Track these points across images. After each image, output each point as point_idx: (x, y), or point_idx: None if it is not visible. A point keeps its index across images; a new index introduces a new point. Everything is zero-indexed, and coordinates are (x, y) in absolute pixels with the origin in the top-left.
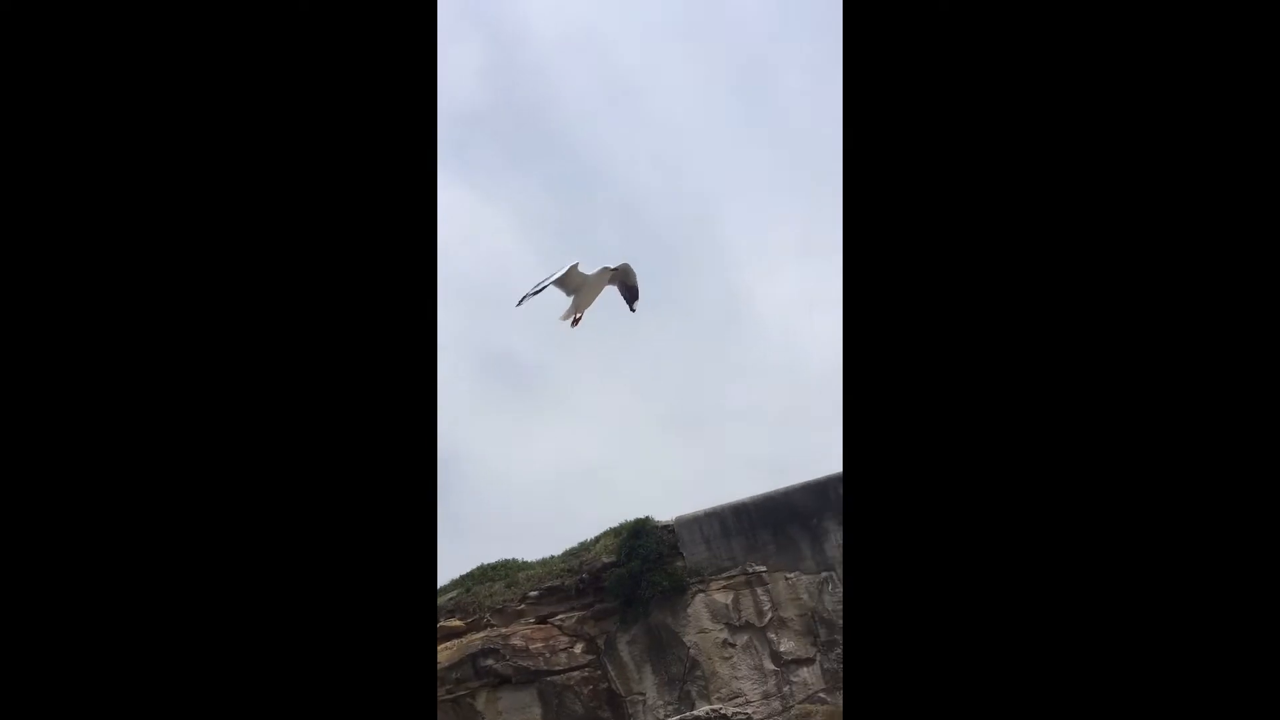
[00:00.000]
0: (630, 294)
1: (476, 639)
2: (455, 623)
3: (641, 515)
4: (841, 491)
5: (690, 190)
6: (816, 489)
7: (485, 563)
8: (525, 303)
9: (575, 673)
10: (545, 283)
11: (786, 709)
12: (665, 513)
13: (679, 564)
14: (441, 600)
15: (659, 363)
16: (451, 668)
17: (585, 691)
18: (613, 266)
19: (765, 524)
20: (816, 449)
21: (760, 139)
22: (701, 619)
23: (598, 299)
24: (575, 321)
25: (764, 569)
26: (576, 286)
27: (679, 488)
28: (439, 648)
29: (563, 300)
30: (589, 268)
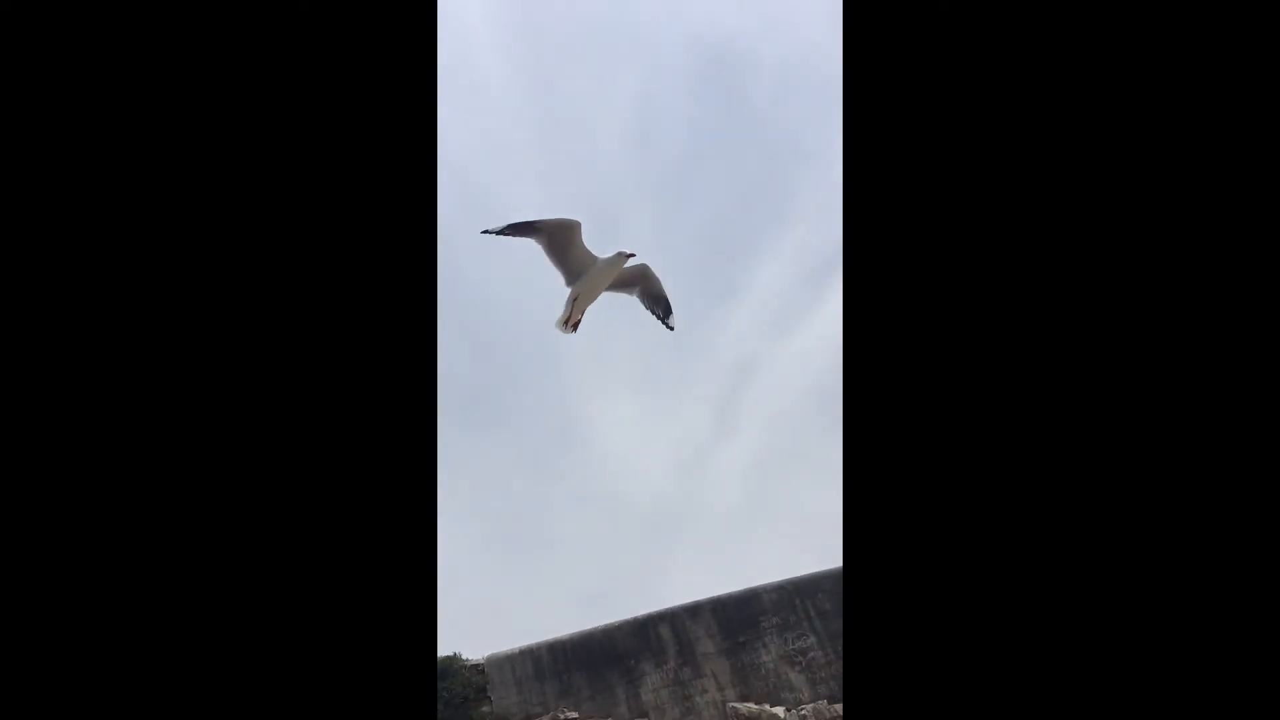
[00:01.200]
0: (659, 305)
1: None
2: None
3: (449, 652)
4: (659, 631)
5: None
6: (636, 628)
7: None
8: (497, 235)
9: None
10: (525, 226)
11: None
12: (476, 648)
13: (485, 709)
14: None
15: (482, 481)
16: None
17: None
18: (628, 251)
19: (581, 665)
20: (641, 584)
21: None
22: None
23: (598, 300)
24: (574, 325)
25: (575, 715)
26: (580, 268)
27: (493, 617)
28: None
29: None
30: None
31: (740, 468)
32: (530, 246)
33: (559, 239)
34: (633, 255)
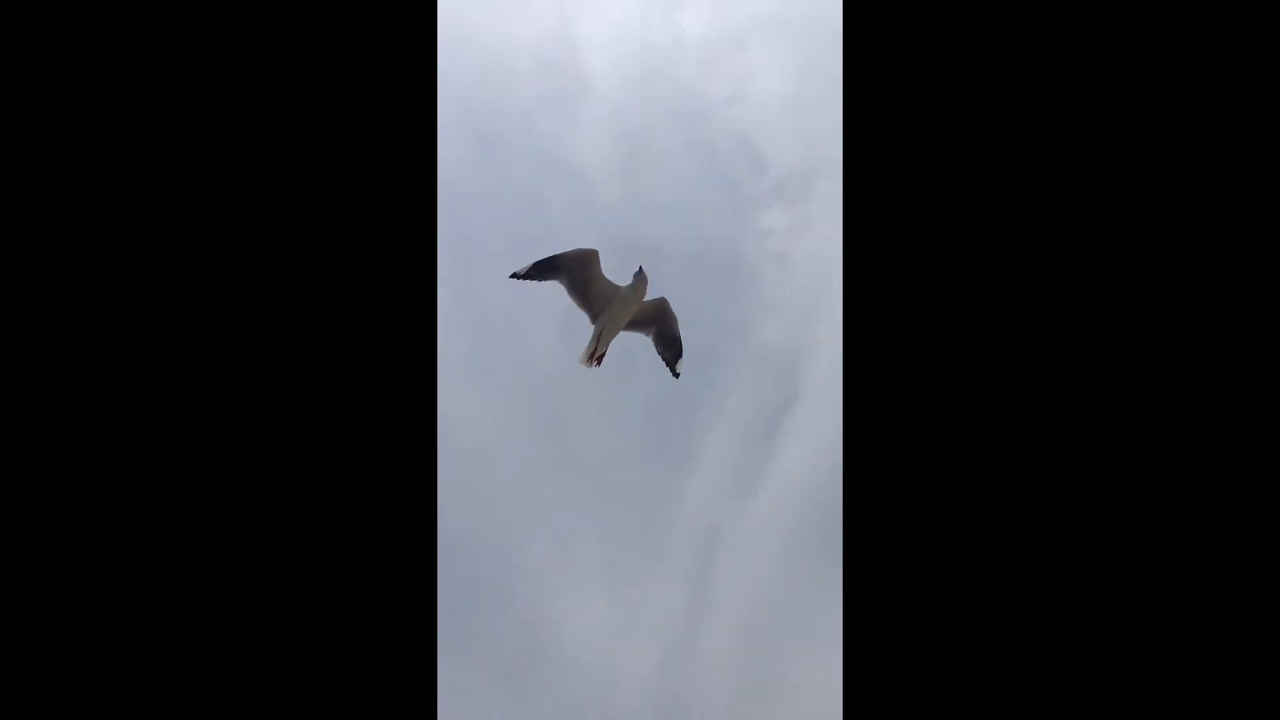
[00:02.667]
0: (671, 348)
1: None
2: None
3: None
4: None
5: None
6: None
7: None
8: (522, 280)
9: None
10: (545, 266)
11: None
12: None
13: None
14: None
15: None
16: None
17: None
18: (644, 274)
19: None
20: None
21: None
22: None
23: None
24: (598, 360)
25: None
26: (603, 301)
27: None
28: None
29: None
30: None
31: (728, 646)
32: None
33: (579, 274)
34: (640, 268)
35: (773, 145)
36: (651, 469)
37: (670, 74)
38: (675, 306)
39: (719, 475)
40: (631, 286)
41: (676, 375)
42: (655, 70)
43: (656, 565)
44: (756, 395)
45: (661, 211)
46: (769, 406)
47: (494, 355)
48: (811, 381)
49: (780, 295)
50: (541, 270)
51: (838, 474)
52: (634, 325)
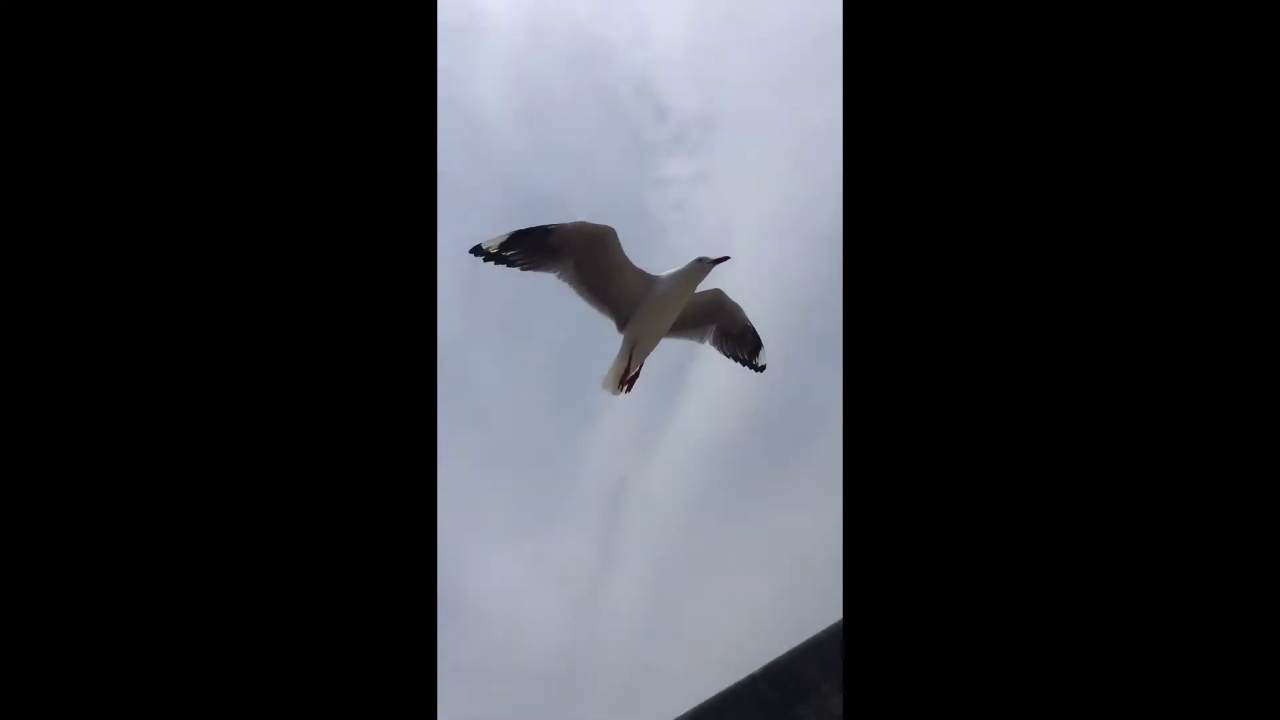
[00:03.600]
0: (743, 344)
1: None
2: None
3: None
4: None
5: None
6: None
7: None
8: (492, 263)
9: None
10: (555, 232)
11: None
12: None
13: None
14: None
15: None
16: None
17: None
18: (713, 257)
19: None
20: None
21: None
22: None
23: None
24: (630, 383)
25: None
26: (634, 296)
27: None
28: None
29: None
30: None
31: (637, 595)
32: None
33: (590, 262)
34: (725, 259)
35: (673, 91)
36: (556, 424)
37: (568, 15)
38: None
39: (624, 429)
40: (686, 274)
41: (759, 369)
42: (552, 11)
43: (564, 519)
44: (658, 353)
45: (562, 159)
46: (672, 362)
47: None
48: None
49: (681, 245)
50: (528, 250)
51: (739, 424)
52: (687, 327)
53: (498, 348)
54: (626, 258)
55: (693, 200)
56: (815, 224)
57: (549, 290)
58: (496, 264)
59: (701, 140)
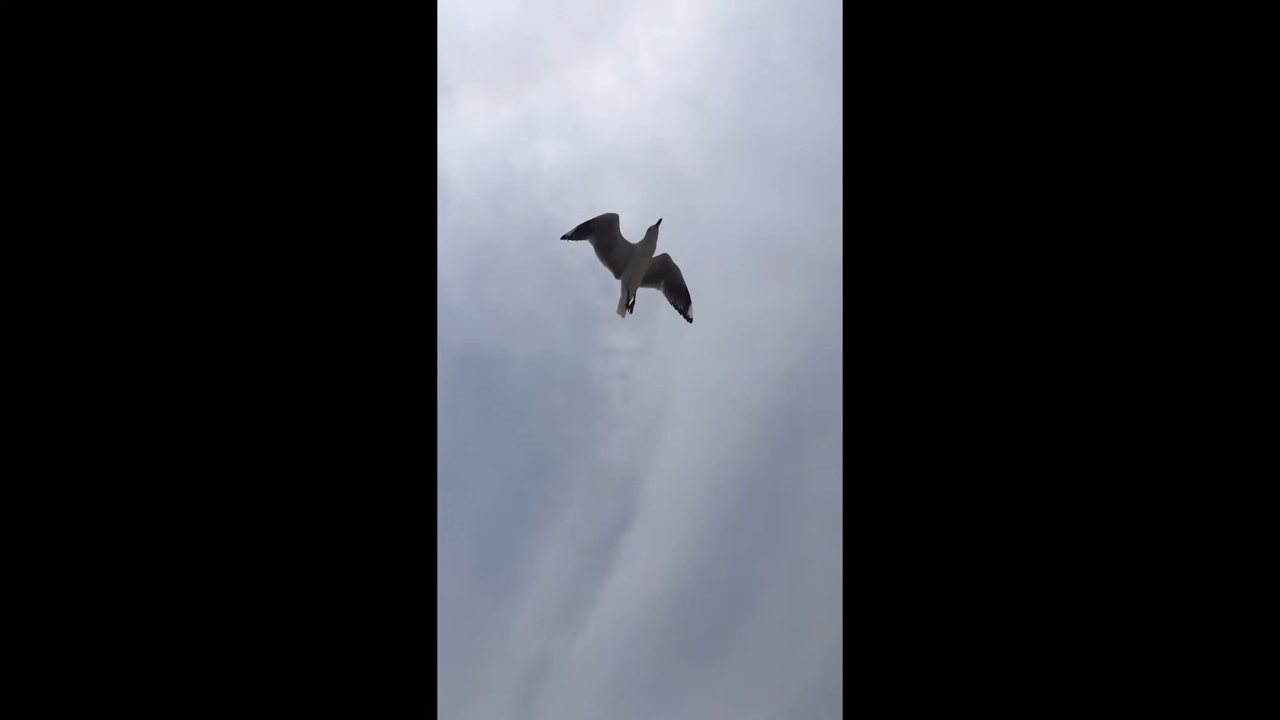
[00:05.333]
0: (681, 297)
1: None
2: None
3: None
4: None
5: None
6: None
7: None
8: (568, 241)
9: None
10: (584, 227)
11: None
12: None
13: None
14: None
15: None
16: None
17: None
18: (653, 224)
19: None
20: None
21: None
22: None
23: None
24: (630, 308)
25: None
26: (620, 256)
27: None
28: None
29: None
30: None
31: None
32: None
33: (604, 237)
34: (660, 221)
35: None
36: (478, 590)
37: (525, 194)
38: (516, 418)
39: (549, 601)
40: (645, 241)
41: (689, 320)
42: (512, 189)
43: (480, 699)
44: (593, 514)
45: (509, 322)
46: (605, 527)
47: None
48: (648, 503)
49: (625, 413)
50: (580, 231)
51: (672, 601)
52: (646, 281)
53: None
54: (621, 234)
55: (636, 370)
56: (751, 399)
57: (481, 446)
58: (572, 240)
59: (645, 315)
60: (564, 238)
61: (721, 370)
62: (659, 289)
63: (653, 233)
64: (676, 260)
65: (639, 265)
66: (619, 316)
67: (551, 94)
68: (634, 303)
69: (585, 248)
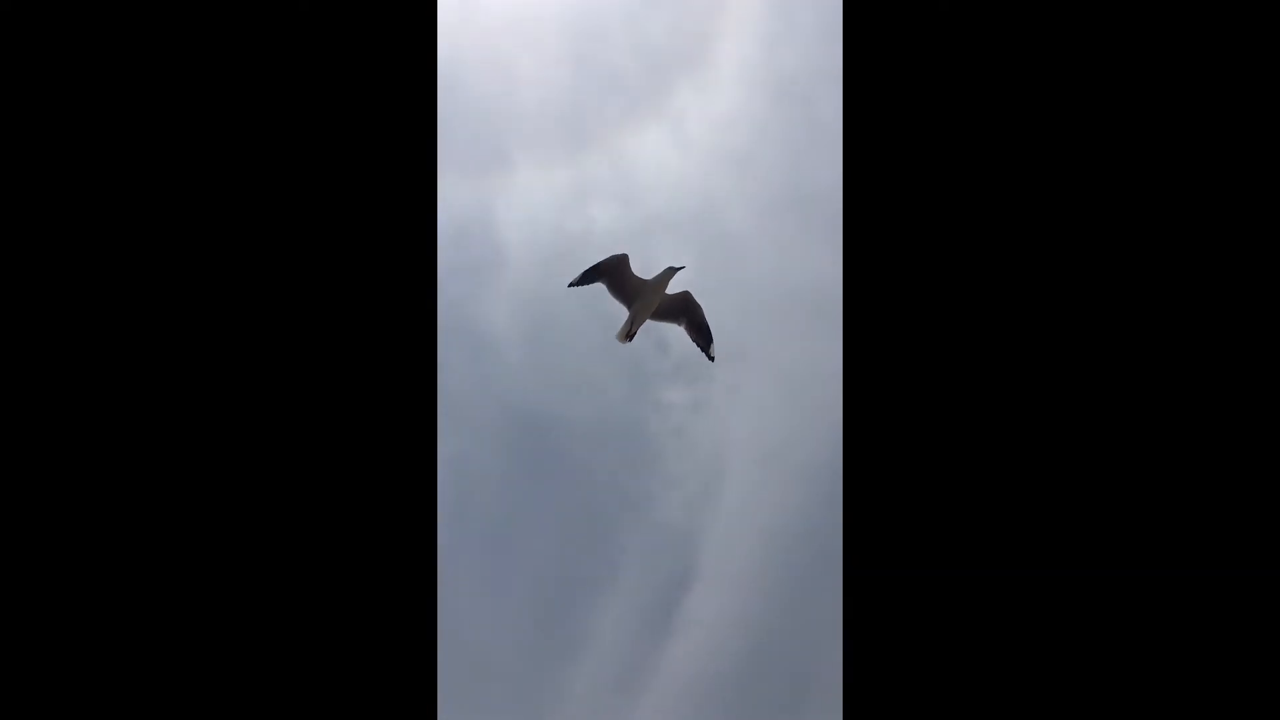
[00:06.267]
0: (702, 335)
1: None
2: None
3: None
4: None
5: None
6: None
7: None
8: (575, 288)
9: None
10: (592, 272)
11: None
12: None
13: None
14: None
15: None
16: None
17: None
18: (676, 265)
19: None
20: None
21: None
22: None
23: (656, 314)
24: (631, 336)
25: None
26: (633, 291)
27: None
28: None
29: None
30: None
31: None
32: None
33: (616, 276)
34: (682, 268)
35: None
36: (536, 654)
37: (580, 255)
38: (571, 477)
39: (609, 664)
40: (658, 277)
41: (711, 359)
42: (567, 251)
43: None
44: (652, 576)
45: (564, 382)
46: (665, 587)
47: None
48: (708, 561)
49: (680, 471)
50: (588, 276)
51: (735, 666)
52: (668, 317)
53: (482, 563)
54: (631, 270)
55: (690, 427)
56: (806, 454)
57: (538, 506)
58: (577, 286)
59: (700, 373)
60: (571, 285)
61: (777, 426)
62: (681, 325)
63: (669, 271)
64: (724, 313)
65: (648, 300)
66: (619, 341)
67: (603, 161)
68: (635, 332)
69: (599, 290)
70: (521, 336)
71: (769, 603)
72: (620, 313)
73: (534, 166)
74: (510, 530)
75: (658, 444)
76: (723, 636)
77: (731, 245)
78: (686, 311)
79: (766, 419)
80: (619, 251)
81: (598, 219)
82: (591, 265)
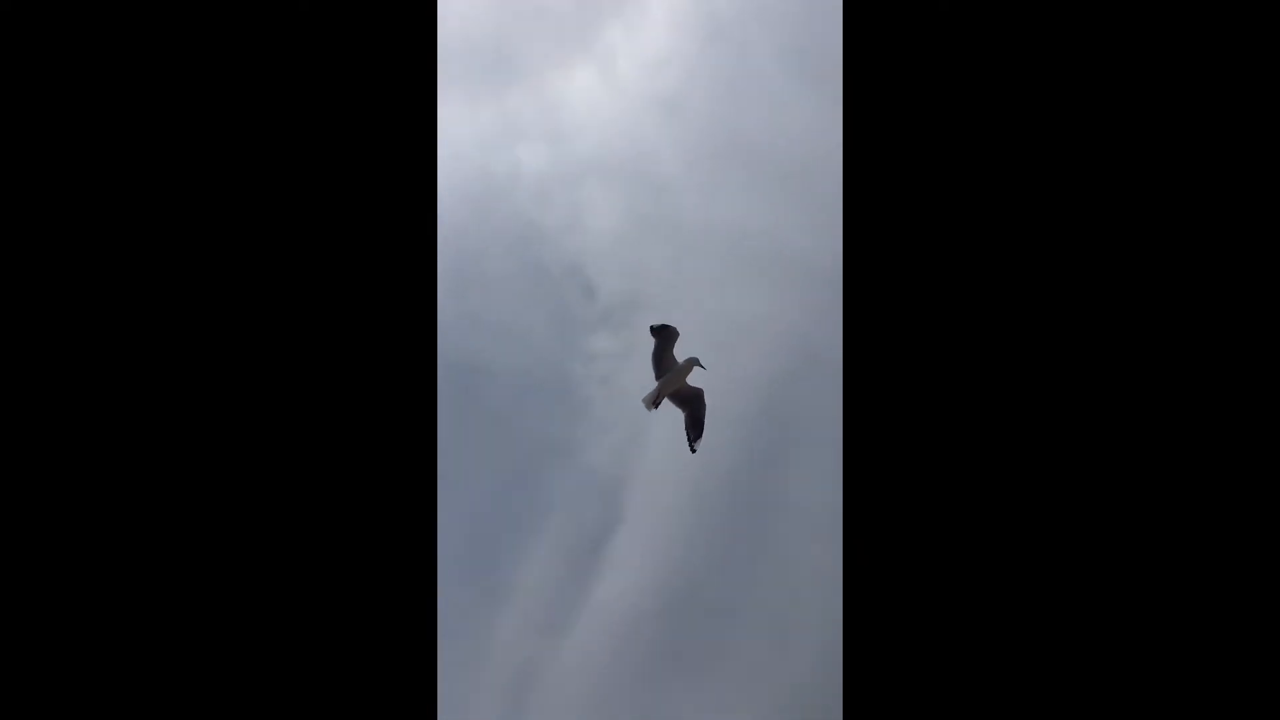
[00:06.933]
0: (695, 429)
1: None
2: None
3: None
4: None
5: None
6: None
7: None
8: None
9: None
10: (660, 329)
11: None
12: None
13: None
14: None
15: None
16: None
17: None
18: (700, 363)
19: None
20: None
21: None
22: None
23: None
24: (655, 405)
25: None
26: (666, 366)
27: None
28: None
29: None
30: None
31: None
32: None
33: (665, 343)
34: (701, 366)
35: (602, 275)
36: (466, 600)
37: (507, 201)
38: (498, 425)
39: (536, 607)
40: (687, 361)
41: (693, 451)
42: (493, 196)
43: (468, 706)
44: (579, 520)
45: (492, 331)
46: (591, 531)
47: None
48: (634, 505)
49: (606, 417)
50: (656, 332)
51: (659, 604)
52: (680, 403)
53: None
54: (673, 349)
55: (617, 375)
56: (733, 402)
57: (466, 454)
58: (655, 334)
59: (626, 319)
60: (652, 328)
61: (702, 374)
62: (684, 413)
63: (690, 361)
64: (653, 260)
65: (671, 380)
66: (644, 405)
67: (530, 100)
68: (659, 403)
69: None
70: (446, 285)
71: (692, 543)
72: (650, 378)
73: (457, 103)
74: (439, 477)
75: (585, 391)
76: (647, 577)
77: (660, 189)
78: (693, 404)
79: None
80: (667, 329)
81: (524, 161)
82: (661, 324)
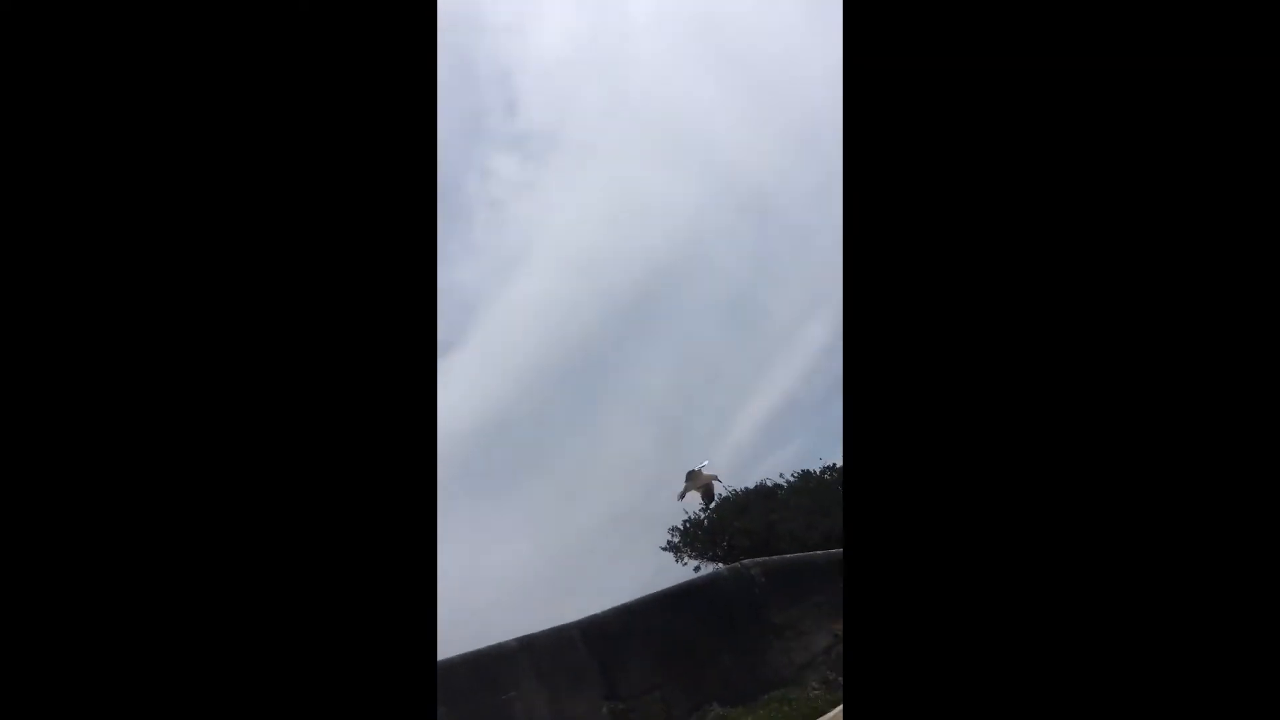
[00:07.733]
0: (706, 499)
1: None
2: None
3: None
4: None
5: None
6: None
7: None
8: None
9: None
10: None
11: None
12: None
13: None
14: None
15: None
16: None
17: None
18: (720, 483)
19: None
20: None
21: None
22: None
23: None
24: (681, 497)
25: None
26: (694, 477)
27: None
28: None
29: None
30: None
31: None
32: None
33: (696, 479)
34: (718, 478)
35: (529, 94)
36: None
37: None
38: None
39: None
40: (706, 483)
41: (680, 498)
42: None
43: None
44: None
45: None
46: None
47: None
48: (479, 332)
49: (484, 243)
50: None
51: (491, 430)
52: (694, 485)
53: None
54: (703, 465)
55: (507, 204)
56: (606, 276)
57: None
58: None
59: (539, 153)
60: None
61: (592, 235)
62: (699, 491)
63: (713, 481)
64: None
65: (696, 482)
66: (676, 501)
67: None
68: (685, 496)
69: None
70: None
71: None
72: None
73: None
74: None
75: (471, 207)
76: (468, 402)
77: (625, 38)
78: (708, 490)
79: (586, 226)
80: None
81: None
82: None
